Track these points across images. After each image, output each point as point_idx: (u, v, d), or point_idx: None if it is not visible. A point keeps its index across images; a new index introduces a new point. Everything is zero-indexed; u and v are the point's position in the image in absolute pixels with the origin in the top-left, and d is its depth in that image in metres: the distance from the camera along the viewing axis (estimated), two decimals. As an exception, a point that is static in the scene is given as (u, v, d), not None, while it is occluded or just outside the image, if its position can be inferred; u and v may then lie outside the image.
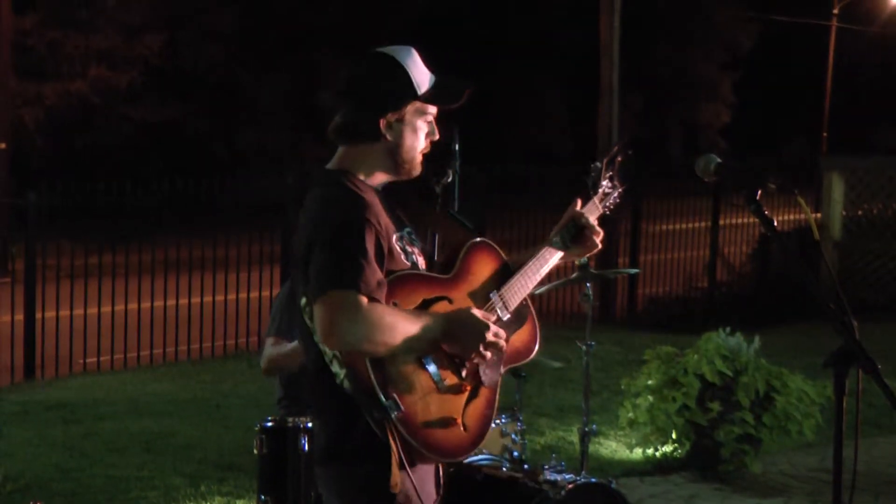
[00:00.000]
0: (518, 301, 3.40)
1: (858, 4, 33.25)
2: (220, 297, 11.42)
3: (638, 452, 7.58)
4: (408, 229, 3.34)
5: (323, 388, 3.18)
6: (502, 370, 3.31)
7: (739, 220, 15.42)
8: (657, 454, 7.44)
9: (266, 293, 10.64)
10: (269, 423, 4.59)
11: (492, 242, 3.46)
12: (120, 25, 25.09)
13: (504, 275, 3.41)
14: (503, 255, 3.46)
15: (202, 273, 11.34)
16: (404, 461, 3.08)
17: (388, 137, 3.25)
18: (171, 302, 11.01)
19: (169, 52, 25.79)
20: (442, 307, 3.22)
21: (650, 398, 7.17)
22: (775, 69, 40.61)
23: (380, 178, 3.31)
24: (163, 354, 11.03)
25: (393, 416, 3.03)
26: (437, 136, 3.36)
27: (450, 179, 4.22)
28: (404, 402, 3.05)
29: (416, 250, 3.33)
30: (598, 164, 3.74)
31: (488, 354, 3.20)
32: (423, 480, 3.20)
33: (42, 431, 8.19)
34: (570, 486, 4.71)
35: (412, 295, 3.17)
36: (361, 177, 3.26)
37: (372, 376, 3.04)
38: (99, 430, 8.22)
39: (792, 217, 15.01)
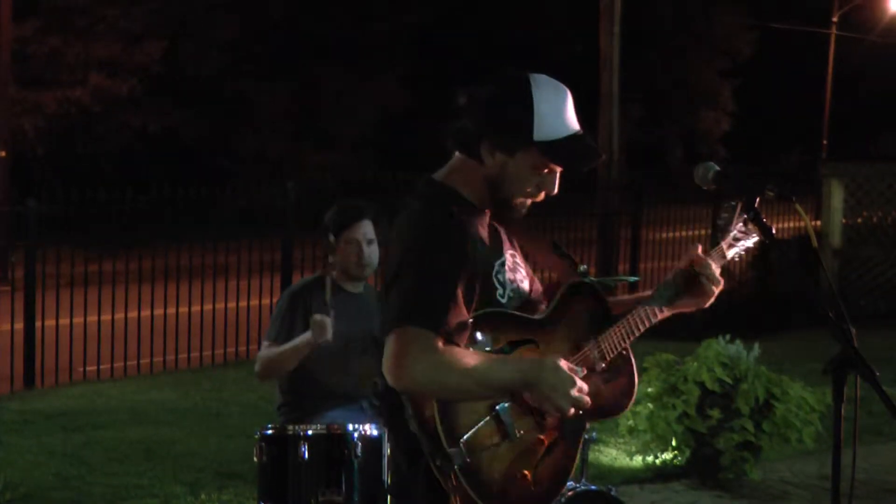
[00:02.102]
0: (615, 352, 3.13)
1: (858, 12, 33.27)
2: (220, 305, 11.42)
3: (638, 460, 7.58)
4: (510, 252, 3.11)
5: (393, 416, 2.96)
6: (587, 424, 3.09)
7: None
8: (657, 462, 7.45)
9: (266, 301, 10.62)
10: (269, 431, 4.57)
11: (595, 285, 3.18)
12: (120, 33, 25.08)
13: (604, 320, 3.13)
14: (604, 297, 3.18)
15: (202, 281, 11.34)
16: None
17: (488, 164, 2.97)
18: (171, 310, 11.01)
19: (169, 59, 25.79)
20: (528, 351, 2.97)
21: (650, 406, 7.17)
22: (775, 77, 40.59)
23: (482, 202, 3.03)
24: (163, 362, 11.02)
25: (456, 466, 2.78)
26: (554, 191, 3.03)
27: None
28: (471, 452, 2.80)
29: (517, 277, 3.10)
30: (734, 203, 3.16)
31: (571, 411, 2.89)
32: None
33: (42, 440, 8.19)
34: (570, 493, 4.70)
35: (497, 336, 2.93)
36: (466, 194, 3.01)
37: (438, 421, 2.79)
38: (99, 439, 8.22)
39: (792, 224, 15.00)
